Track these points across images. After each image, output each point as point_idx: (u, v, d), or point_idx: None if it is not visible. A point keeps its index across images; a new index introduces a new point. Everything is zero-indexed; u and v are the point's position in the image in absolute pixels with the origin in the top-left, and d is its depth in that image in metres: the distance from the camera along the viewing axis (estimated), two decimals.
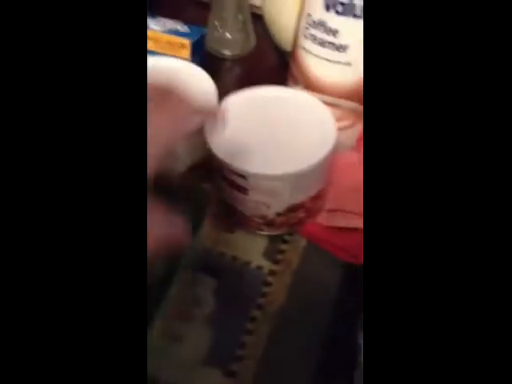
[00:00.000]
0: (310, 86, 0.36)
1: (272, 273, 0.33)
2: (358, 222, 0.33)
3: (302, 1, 0.37)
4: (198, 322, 0.30)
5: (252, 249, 0.34)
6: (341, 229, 0.33)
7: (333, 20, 0.33)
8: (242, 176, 0.29)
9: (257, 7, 0.53)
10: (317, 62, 0.36)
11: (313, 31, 0.35)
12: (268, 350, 0.29)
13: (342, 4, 0.33)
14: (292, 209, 0.32)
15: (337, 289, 0.32)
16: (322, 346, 0.29)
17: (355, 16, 0.33)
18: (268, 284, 0.32)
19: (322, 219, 0.34)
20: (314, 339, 0.30)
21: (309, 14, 0.35)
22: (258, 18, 0.52)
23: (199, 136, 0.30)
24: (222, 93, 0.34)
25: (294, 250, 0.34)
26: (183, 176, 0.34)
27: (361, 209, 0.33)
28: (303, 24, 0.36)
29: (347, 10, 0.33)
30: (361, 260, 0.32)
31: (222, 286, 0.32)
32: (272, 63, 0.51)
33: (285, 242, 0.35)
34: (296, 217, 0.33)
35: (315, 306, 0.31)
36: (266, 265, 0.33)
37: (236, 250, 0.34)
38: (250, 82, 0.34)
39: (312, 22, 0.35)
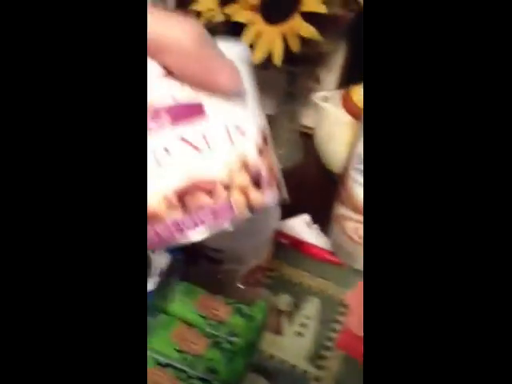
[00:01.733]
0: (358, 210, 0.41)
1: (316, 378, 0.36)
2: None
3: (354, 134, 0.43)
4: None
5: (298, 353, 0.37)
6: None
7: None
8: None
9: (308, 127, 0.61)
10: None
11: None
12: None
13: None
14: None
15: None
16: None
17: None
18: None
19: (355, 328, 0.37)
20: None
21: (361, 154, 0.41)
22: (308, 137, 0.59)
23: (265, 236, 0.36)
24: None
25: (335, 357, 0.37)
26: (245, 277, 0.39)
27: None
28: (355, 160, 0.42)
29: None
30: None
31: None
32: (318, 180, 0.57)
33: (327, 348, 0.38)
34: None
35: None
36: (312, 370, 0.36)
37: (284, 352, 0.37)
38: (295, 196, 0.39)
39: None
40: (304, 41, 0.48)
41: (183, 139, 0.19)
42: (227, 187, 0.20)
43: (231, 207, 0.20)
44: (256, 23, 0.46)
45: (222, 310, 0.37)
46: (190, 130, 0.19)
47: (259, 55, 0.47)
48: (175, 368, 0.32)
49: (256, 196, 0.21)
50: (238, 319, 0.36)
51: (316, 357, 0.37)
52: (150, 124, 0.19)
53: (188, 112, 0.19)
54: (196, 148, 0.19)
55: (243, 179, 0.20)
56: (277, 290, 0.42)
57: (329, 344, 0.38)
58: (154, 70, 0.19)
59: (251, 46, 0.47)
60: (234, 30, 0.48)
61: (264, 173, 0.21)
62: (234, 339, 0.34)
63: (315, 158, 0.57)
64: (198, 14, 0.50)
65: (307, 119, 0.62)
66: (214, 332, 0.34)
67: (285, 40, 0.46)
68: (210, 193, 0.20)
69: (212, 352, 0.33)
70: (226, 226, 0.20)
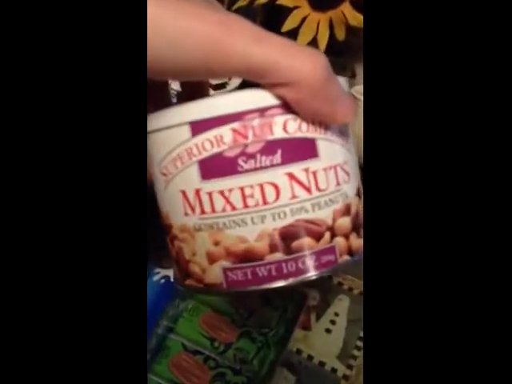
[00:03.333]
0: None
1: (345, 377, 0.34)
2: None
3: None
4: None
5: (327, 350, 0.36)
6: None
7: None
8: None
9: None
10: None
11: None
12: None
13: None
14: None
15: None
16: None
17: None
18: None
19: None
20: None
21: None
22: None
23: None
24: None
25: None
26: None
27: None
28: None
29: None
30: None
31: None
32: None
33: (357, 348, 0.37)
34: None
35: None
36: (340, 368, 0.35)
37: (312, 349, 0.36)
38: None
39: None
40: (348, 30, 0.46)
41: (293, 177, 0.18)
42: (331, 230, 0.19)
43: (334, 251, 0.19)
44: (302, 7, 0.45)
45: (252, 300, 0.35)
46: (301, 168, 0.18)
47: (303, 41, 0.45)
48: (204, 355, 0.31)
49: (357, 241, 0.20)
50: (269, 310, 0.34)
51: (346, 355, 0.36)
52: (262, 159, 0.18)
53: (301, 148, 0.18)
54: (306, 188, 0.18)
55: (346, 223, 0.19)
56: (306, 285, 0.41)
57: (359, 343, 0.37)
58: (267, 100, 0.18)
59: (295, 32, 0.45)
60: (277, 13, 0.47)
61: (361, 216, 0.20)
62: (265, 330, 0.33)
63: None
64: None
65: None
66: (244, 322, 0.33)
67: (330, 27, 0.45)
68: (315, 235, 0.18)
69: (242, 341, 0.31)
70: (326, 270, 0.19)
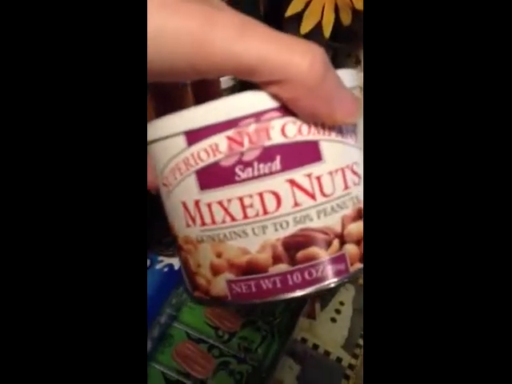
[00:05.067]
0: None
1: (350, 367, 0.34)
2: None
3: None
4: None
5: (332, 339, 0.36)
6: None
7: None
8: None
9: None
10: None
11: None
12: None
13: None
14: None
15: None
16: None
17: None
18: (347, 377, 0.34)
19: None
20: None
21: None
22: None
23: None
24: None
25: None
26: None
27: None
28: None
29: None
30: None
31: (304, 374, 0.33)
32: None
33: (361, 336, 0.36)
34: None
35: None
36: (346, 358, 0.35)
37: (317, 338, 0.36)
38: None
39: None
40: (353, 15, 0.45)
41: (295, 184, 0.17)
42: (340, 237, 0.17)
43: (344, 260, 0.18)
44: None
45: None
46: (303, 173, 0.17)
47: (307, 26, 0.44)
48: (208, 344, 0.30)
49: None
50: None
51: (351, 345, 0.35)
52: (260, 166, 0.17)
53: (302, 152, 0.17)
54: (310, 195, 0.17)
55: (357, 229, 0.18)
56: None
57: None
58: (264, 103, 0.16)
59: (299, 16, 0.44)
60: None
61: None
62: (269, 319, 0.32)
63: None
64: None
65: None
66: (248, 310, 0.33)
67: (336, 11, 0.44)
68: (322, 244, 0.17)
69: (247, 330, 0.31)
70: (336, 280, 0.18)
